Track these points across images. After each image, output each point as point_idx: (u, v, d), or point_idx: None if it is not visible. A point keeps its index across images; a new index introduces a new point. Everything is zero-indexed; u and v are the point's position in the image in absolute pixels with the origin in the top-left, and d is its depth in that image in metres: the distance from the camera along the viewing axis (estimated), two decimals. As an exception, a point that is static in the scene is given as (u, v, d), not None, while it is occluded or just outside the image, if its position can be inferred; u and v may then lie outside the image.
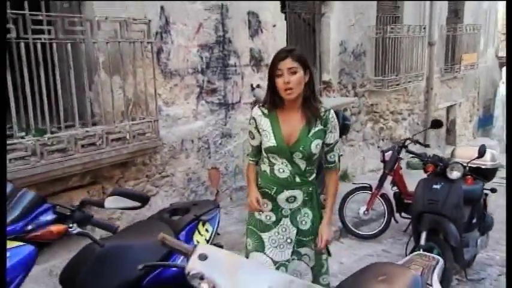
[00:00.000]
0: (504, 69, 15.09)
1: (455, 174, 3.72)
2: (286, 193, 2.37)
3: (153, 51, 4.30)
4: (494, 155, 4.34)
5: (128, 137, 3.98)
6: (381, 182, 4.97)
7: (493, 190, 4.34)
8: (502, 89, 15.03)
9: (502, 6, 14.13)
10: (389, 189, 5.06)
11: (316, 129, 2.32)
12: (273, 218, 2.41)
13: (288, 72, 2.23)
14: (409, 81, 8.72)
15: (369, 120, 8.29)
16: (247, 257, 2.46)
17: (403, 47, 8.26)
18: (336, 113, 5.74)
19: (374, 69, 8.00)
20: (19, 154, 3.31)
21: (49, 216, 1.95)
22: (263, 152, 2.42)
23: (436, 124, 4.92)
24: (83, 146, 3.68)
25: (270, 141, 2.33)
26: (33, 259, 1.84)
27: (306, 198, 2.40)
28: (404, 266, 2.03)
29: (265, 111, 2.37)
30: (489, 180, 4.32)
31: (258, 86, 5.79)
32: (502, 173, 5.04)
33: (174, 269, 2.24)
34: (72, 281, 2.18)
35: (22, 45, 3.27)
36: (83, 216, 2.01)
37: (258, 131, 2.39)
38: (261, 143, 2.42)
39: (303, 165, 2.34)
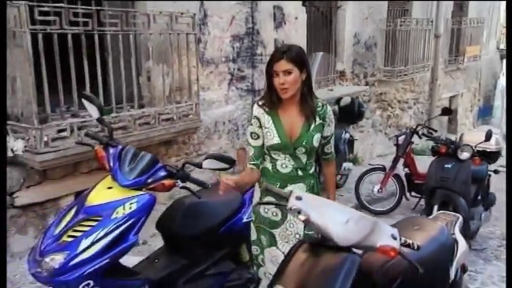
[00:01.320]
0: (505, 61, 15.60)
1: (465, 155, 4.26)
2: (290, 187, 2.37)
3: (196, 41, 4.78)
4: (498, 139, 4.87)
5: (174, 117, 4.49)
6: (394, 164, 5.50)
7: (496, 171, 4.87)
8: (503, 81, 15.53)
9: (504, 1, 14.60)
10: (401, 170, 5.58)
11: (316, 123, 2.36)
12: (280, 215, 2.43)
13: (283, 74, 2.26)
14: (416, 72, 9.20)
15: (377, 108, 8.80)
16: (261, 254, 2.54)
17: (411, 39, 8.72)
18: (353, 100, 6.27)
19: (384, 60, 8.49)
20: (91, 130, 3.80)
21: (162, 173, 2.47)
22: (266, 150, 2.44)
23: (447, 111, 5.44)
24: (139, 124, 4.18)
25: (274, 138, 2.35)
26: (152, 205, 2.36)
27: (308, 191, 2.43)
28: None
29: (267, 109, 2.39)
30: (493, 162, 4.85)
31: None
32: (501, 161, 5.55)
33: (242, 221, 2.80)
34: (167, 227, 2.74)
35: (96, 36, 3.76)
36: (185, 174, 2.53)
37: (262, 130, 2.40)
38: (263, 142, 2.43)
39: (304, 159, 2.39)
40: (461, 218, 2.61)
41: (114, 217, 2.21)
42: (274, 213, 2.44)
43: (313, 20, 6.98)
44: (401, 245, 1.82)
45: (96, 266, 2.13)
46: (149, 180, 2.41)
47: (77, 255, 2.11)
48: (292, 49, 2.31)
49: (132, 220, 2.24)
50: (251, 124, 2.44)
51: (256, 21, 5.78)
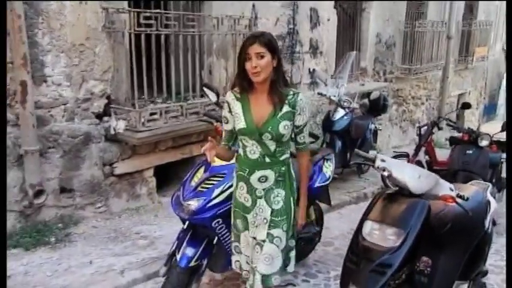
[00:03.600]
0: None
1: (484, 143, 5.02)
2: (258, 173, 2.44)
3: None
4: (511, 131, 5.63)
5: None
6: (416, 151, 6.24)
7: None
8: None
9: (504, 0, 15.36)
10: (422, 157, 6.32)
11: (284, 111, 2.39)
12: (250, 200, 2.50)
13: (256, 57, 2.29)
14: (430, 70, 9.95)
15: (394, 103, 9.55)
16: (238, 236, 2.63)
17: (426, 40, 9.46)
18: (380, 94, 7.00)
19: (402, 59, 9.24)
20: (172, 114, 4.55)
21: None
22: (238, 136, 2.51)
23: (466, 106, 6.19)
24: (208, 111, 4.91)
25: (240, 123, 2.40)
26: None
27: (279, 178, 2.48)
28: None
29: (238, 95, 2.45)
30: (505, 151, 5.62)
31: (314, 70, 7.02)
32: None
33: (315, 186, 3.54)
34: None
35: (180, 37, 4.51)
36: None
37: (232, 114, 2.47)
38: (234, 128, 2.49)
39: (272, 146, 2.42)
40: (490, 186, 3.35)
41: (233, 175, 2.95)
42: (246, 199, 2.52)
43: (341, 21, 7.71)
44: (456, 195, 2.58)
45: (224, 209, 2.85)
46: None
47: (211, 200, 2.86)
48: (265, 35, 2.37)
49: None
50: (223, 108, 2.56)
51: (296, 22, 6.52)
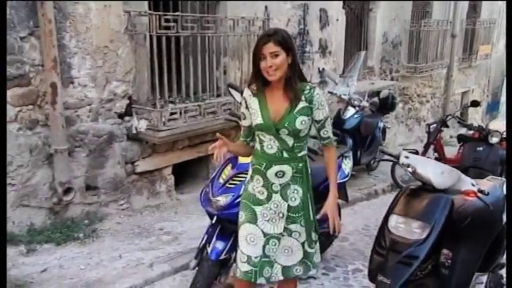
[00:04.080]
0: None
1: (494, 140, 5.15)
2: (275, 168, 2.43)
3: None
4: (519, 128, 5.75)
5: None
6: (425, 148, 6.38)
7: (516, 156, 5.76)
8: (508, 78, 16.51)
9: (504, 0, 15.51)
10: (431, 154, 6.46)
11: (301, 106, 2.37)
12: (265, 194, 2.47)
13: (270, 56, 2.27)
14: (435, 69, 10.07)
15: (400, 102, 9.66)
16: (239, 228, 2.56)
17: (431, 38, 9.59)
18: (388, 93, 7.12)
19: (408, 58, 9.37)
20: (191, 114, 4.67)
21: None
22: (255, 131, 2.49)
23: (475, 103, 6.33)
24: (224, 110, 5.04)
25: (257, 119, 2.40)
26: None
27: (296, 174, 2.47)
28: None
29: (254, 91, 2.44)
30: (514, 147, 5.74)
31: (323, 69, 7.14)
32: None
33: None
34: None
35: (199, 37, 4.63)
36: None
37: (249, 110, 2.46)
38: (251, 123, 2.49)
39: (290, 141, 2.41)
40: (505, 180, 3.48)
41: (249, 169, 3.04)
42: (261, 192, 2.49)
43: (349, 22, 7.83)
44: (478, 190, 2.70)
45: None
46: None
47: (238, 196, 2.98)
48: (279, 33, 2.34)
49: None
50: (241, 104, 2.56)
51: (307, 23, 6.65)
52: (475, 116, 13.66)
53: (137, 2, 4.36)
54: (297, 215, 2.49)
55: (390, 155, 2.97)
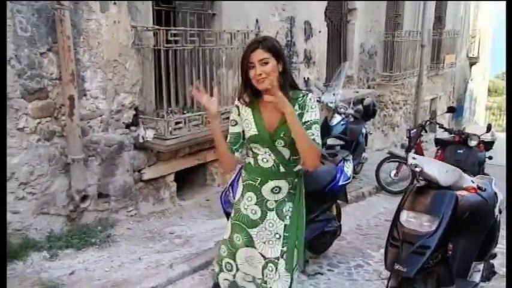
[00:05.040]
0: (473, 68, 17.43)
1: (473, 143, 5.59)
2: (271, 183, 2.31)
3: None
4: (493, 131, 6.23)
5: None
6: (407, 152, 6.75)
7: (490, 157, 6.22)
8: (470, 85, 17.37)
9: (473, 13, 16.42)
10: (412, 158, 6.85)
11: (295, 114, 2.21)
12: (259, 213, 2.33)
13: (259, 63, 2.15)
14: (407, 77, 10.60)
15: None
16: (232, 252, 2.40)
17: (403, 48, 10.11)
18: (371, 100, 7.51)
19: (383, 67, 9.85)
20: (194, 123, 4.89)
21: None
22: (246, 144, 2.35)
23: (451, 109, 6.78)
24: (223, 119, 5.26)
25: (252, 130, 2.27)
26: None
27: (291, 190, 2.35)
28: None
29: (247, 102, 2.31)
30: (490, 149, 6.20)
31: (308, 79, 7.49)
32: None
33: (338, 184, 3.96)
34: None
35: (200, 50, 4.86)
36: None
37: (240, 117, 2.34)
38: (243, 131, 2.35)
39: (286, 154, 2.29)
40: (494, 179, 3.85)
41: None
42: (253, 211, 2.34)
43: (330, 33, 8.22)
44: (476, 186, 3.05)
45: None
46: None
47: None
48: (268, 39, 2.24)
49: None
50: (232, 112, 2.41)
51: (293, 34, 6.97)
52: (442, 121, 14.27)
53: (143, 17, 4.57)
54: (289, 234, 2.34)
55: (398, 156, 3.29)
